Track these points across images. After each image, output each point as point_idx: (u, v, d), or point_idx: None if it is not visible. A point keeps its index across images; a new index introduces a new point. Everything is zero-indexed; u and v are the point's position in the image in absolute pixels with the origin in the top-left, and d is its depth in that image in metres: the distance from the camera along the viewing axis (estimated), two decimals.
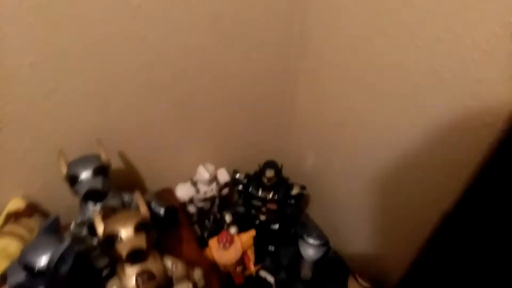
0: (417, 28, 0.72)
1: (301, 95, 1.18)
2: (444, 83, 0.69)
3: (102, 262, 0.88)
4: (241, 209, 1.22)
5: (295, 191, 1.14)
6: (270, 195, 1.12)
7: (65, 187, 0.85)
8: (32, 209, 0.96)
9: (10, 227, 0.89)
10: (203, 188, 1.12)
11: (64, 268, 0.71)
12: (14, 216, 0.92)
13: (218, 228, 1.13)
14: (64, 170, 0.83)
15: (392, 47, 0.79)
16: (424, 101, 0.76)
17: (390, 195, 0.96)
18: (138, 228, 0.71)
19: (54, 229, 0.75)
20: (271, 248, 1.26)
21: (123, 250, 0.68)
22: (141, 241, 0.70)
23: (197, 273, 0.82)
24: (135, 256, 0.69)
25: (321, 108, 1.12)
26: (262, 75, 1.10)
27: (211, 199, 1.16)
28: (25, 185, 0.95)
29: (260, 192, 1.13)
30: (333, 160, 1.15)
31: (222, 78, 1.04)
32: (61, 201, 0.89)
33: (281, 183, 1.13)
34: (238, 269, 1.11)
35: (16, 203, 0.92)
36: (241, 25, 0.96)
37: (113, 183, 0.90)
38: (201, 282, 0.82)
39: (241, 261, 1.11)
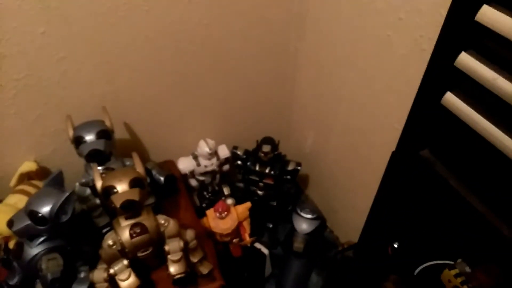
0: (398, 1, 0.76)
1: (302, 76, 1.22)
2: (424, 53, 0.72)
3: (103, 221, 0.94)
4: (240, 185, 1.27)
5: (290, 167, 1.18)
6: (267, 170, 1.17)
7: (73, 155, 0.93)
8: (43, 173, 1.04)
9: (22, 186, 0.97)
10: (203, 161, 1.17)
11: (64, 217, 0.77)
12: (26, 177, 1.00)
13: (216, 199, 1.18)
14: (70, 133, 0.90)
15: (380, 21, 0.83)
16: (409, 74, 0.79)
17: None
18: (133, 184, 0.77)
19: (57, 181, 0.82)
20: (269, 225, 1.30)
21: (117, 201, 0.74)
22: (135, 194, 0.75)
23: (189, 233, 0.87)
24: (128, 207, 0.75)
25: (319, 88, 1.16)
26: (262, 54, 1.14)
27: (212, 174, 1.21)
28: (36, 149, 1.02)
29: (257, 167, 1.17)
30: (330, 139, 1.19)
31: (223, 56, 1.09)
32: (70, 168, 0.95)
33: (278, 159, 1.18)
34: (235, 241, 1.16)
35: (28, 165, 1.00)
36: (241, 3, 1.00)
37: (117, 150, 0.96)
38: (193, 242, 0.87)
39: (238, 233, 1.16)
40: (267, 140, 1.15)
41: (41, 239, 0.77)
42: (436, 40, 0.49)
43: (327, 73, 1.10)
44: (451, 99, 0.49)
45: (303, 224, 1.11)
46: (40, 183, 0.99)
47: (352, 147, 1.09)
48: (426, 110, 0.53)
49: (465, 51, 0.46)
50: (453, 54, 0.46)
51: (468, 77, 0.46)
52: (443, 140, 0.53)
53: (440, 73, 0.50)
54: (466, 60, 0.45)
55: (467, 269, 0.54)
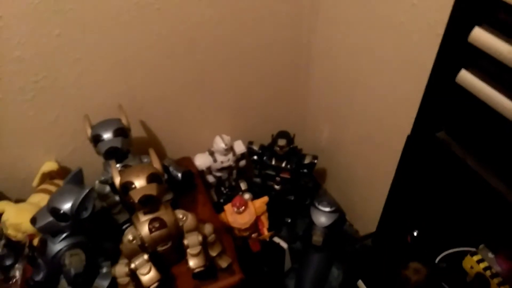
0: None
1: (316, 68, 1.21)
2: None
3: (123, 217, 0.96)
4: (257, 180, 1.27)
5: (307, 160, 1.18)
6: (283, 164, 1.17)
7: (92, 154, 0.95)
8: (64, 172, 1.06)
9: (44, 185, 1.00)
10: (219, 157, 1.18)
11: (85, 213, 0.79)
12: (48, 177, 1.02)
13: (233, 194, 1.18)
14: (88, 131, 0.92)
15: (393, 8, 0.81)
16: (423, 59, 0.78)
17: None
18: (150, 179, 0.78)
19: (77, 179, 0.83)
20: (288, 219, 1.30)
21: (136, 196, 0.75)
22: (152, 189, 0.77)
23: (208, 228, 0.87)
24: (146, 202, 0.76)
25: (333, 79, 1.15)
26: (275, 49, 1.14)
27: (229, 170, 1.22)
28: (56, 150, 1.05)
29: (273, 161, 1.17)
30: (346, 131, 1.18)
31: (236, 51, 1.09)
32: (90, 167, 0.97)
33: (294, 153, 1.17)
34: (254, 235, 1.16)
35: (49, 165, 1.02)
36: None
37: (134, 148, 0.98)
38: (212, 236, 0.87)
39: (256, 227, 1.16)
40: (283, 134, 1.15)
41: (64, 235, 0.79)
42: (449, 16, 0.48)
43: (340, 64, 1.09)
44: (466, 76, 0.48)
45: (322, 217, 1.10)
46: (61, 182, 1.01)
47: (368, 137, 1.08)
48: (440, 90, 0.52)
49: (479, 25, 0.44)
50: (466, 30, 0.45)
51: (483, 53, 0.44)
52: (459, 120, 0.52)
53: (454, 51, 0.49)
54: (479, 35, 0.44)
55: (490, 255, 0.53)
